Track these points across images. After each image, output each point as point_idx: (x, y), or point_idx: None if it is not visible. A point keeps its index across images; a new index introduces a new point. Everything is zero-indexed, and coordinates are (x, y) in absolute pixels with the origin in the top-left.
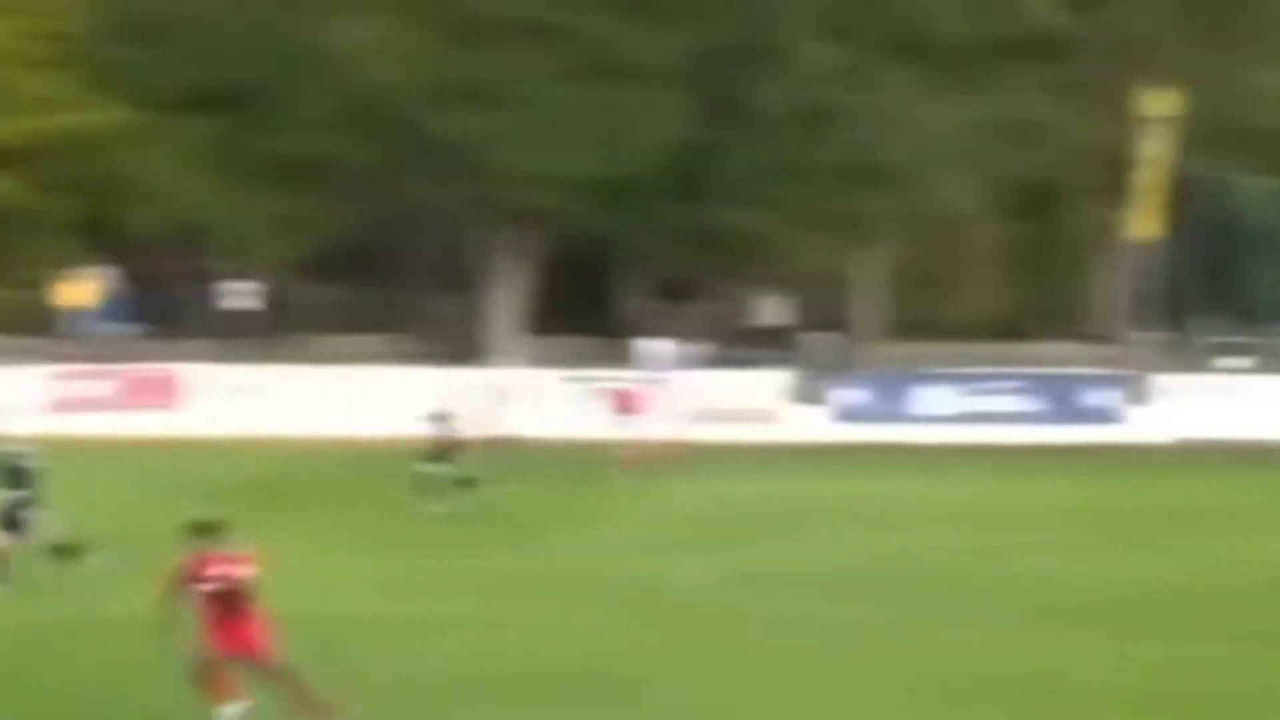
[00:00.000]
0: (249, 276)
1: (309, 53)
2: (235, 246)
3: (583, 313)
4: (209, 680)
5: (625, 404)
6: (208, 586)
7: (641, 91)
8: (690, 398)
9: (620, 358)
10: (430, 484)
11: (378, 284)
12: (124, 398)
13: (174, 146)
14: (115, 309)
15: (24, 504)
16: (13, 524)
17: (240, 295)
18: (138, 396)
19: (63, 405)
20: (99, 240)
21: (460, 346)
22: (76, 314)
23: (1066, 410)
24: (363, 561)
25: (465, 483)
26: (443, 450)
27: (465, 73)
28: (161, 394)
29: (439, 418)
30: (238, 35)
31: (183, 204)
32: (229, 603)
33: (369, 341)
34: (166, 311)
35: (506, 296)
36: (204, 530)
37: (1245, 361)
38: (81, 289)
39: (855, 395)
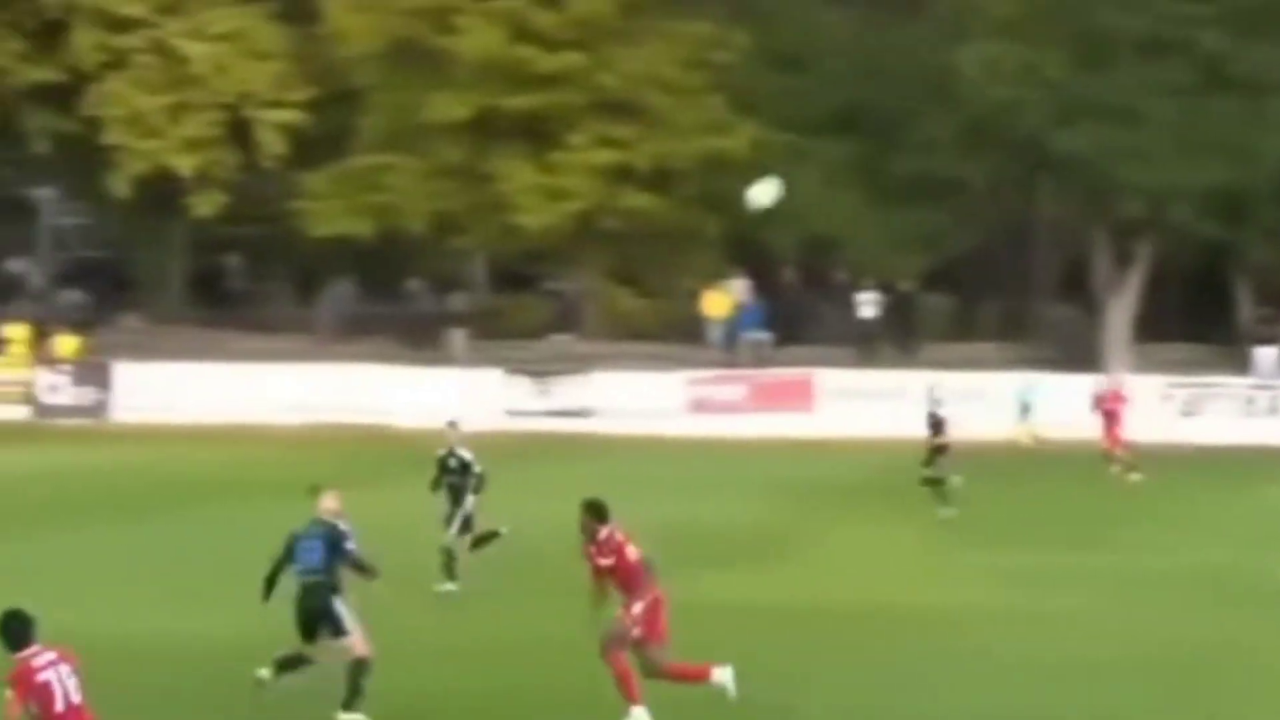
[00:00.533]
0: (873, 287)
1: (938, 75)
2: (866, 260)
3: (1197, 320)
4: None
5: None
6: (603, 564)
7: (1258, 102)
8: None
9: (1236, 366)
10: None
11: (995, 293)
12: (757, 401)
13: (813, 166)
14: (750, 318)
15: (459, 503)
16: (466, 526)
17: (866, 305)
18: (771, 400)
19: (699, 408)
20: (736, 253)
21: (1076, 353)
22: (715, 322)
23: None
24: (971, 555)
25: (932, 482)
26: (933, 451)
27: (1088, 90)
28: (795, 397)
29: (935, 420)
30: (872, 60)
31: (820, 220)
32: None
33: (986, 349)
34: (794, 319)
35: (1119, 305)
36: (597, 511)
37: None
38: (720, 299)
39: None
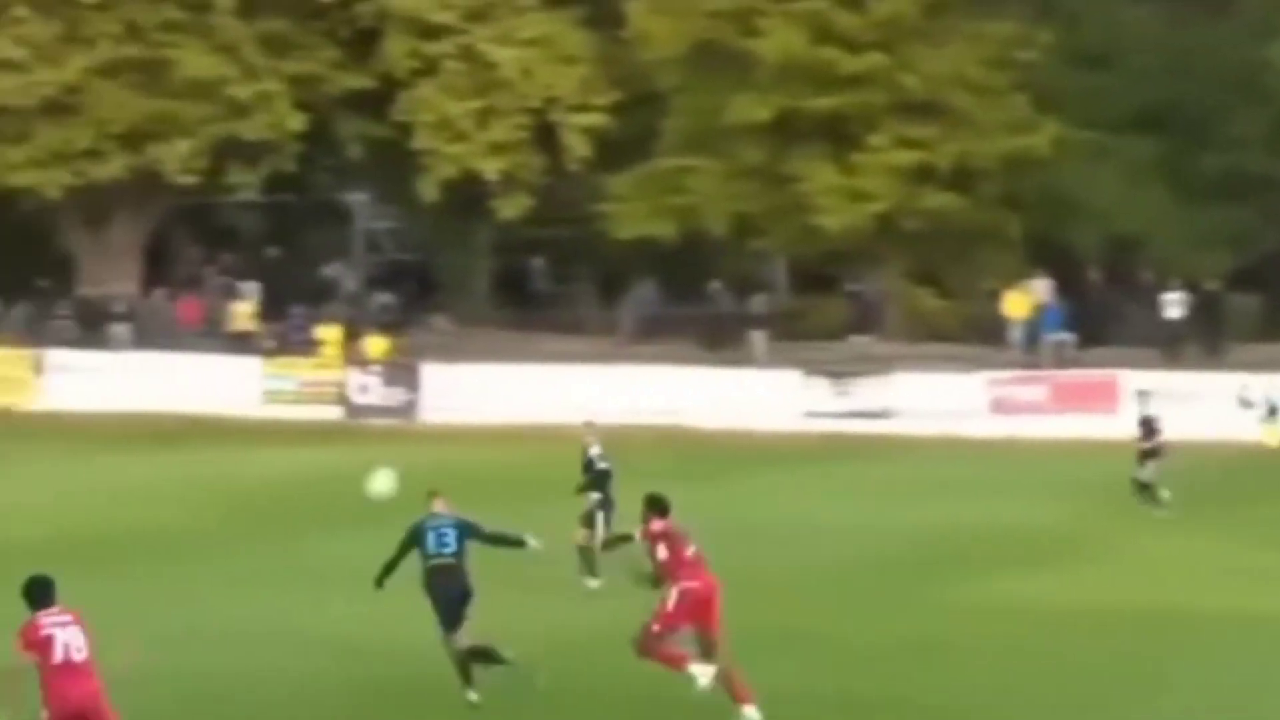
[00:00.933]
0: (1178, 287)
1: (1246, 71)
2: (1171, 259)
3: None
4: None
5: None
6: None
7: None
8: None
9: None
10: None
11: None
12: (1059, 402)
13: (1116, 165)
14: (1052, 318)
15: (603, 504)
16: (592, 521)
17: (1172, 305)
18: (1073, 401)
19: (1000, 409)
20: (1038, 253)
21: None
22: (1016, 323)
23: None
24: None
25: (1142, 487)
26: (1145, 455)
27: None
28: (1099, 399)
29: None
30: (1179, 57)
31: (1124, 219)
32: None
33: None
34: (1098, 320)
35: None
36: (656, 503)
37: None
38: (1021, 299)
39: None
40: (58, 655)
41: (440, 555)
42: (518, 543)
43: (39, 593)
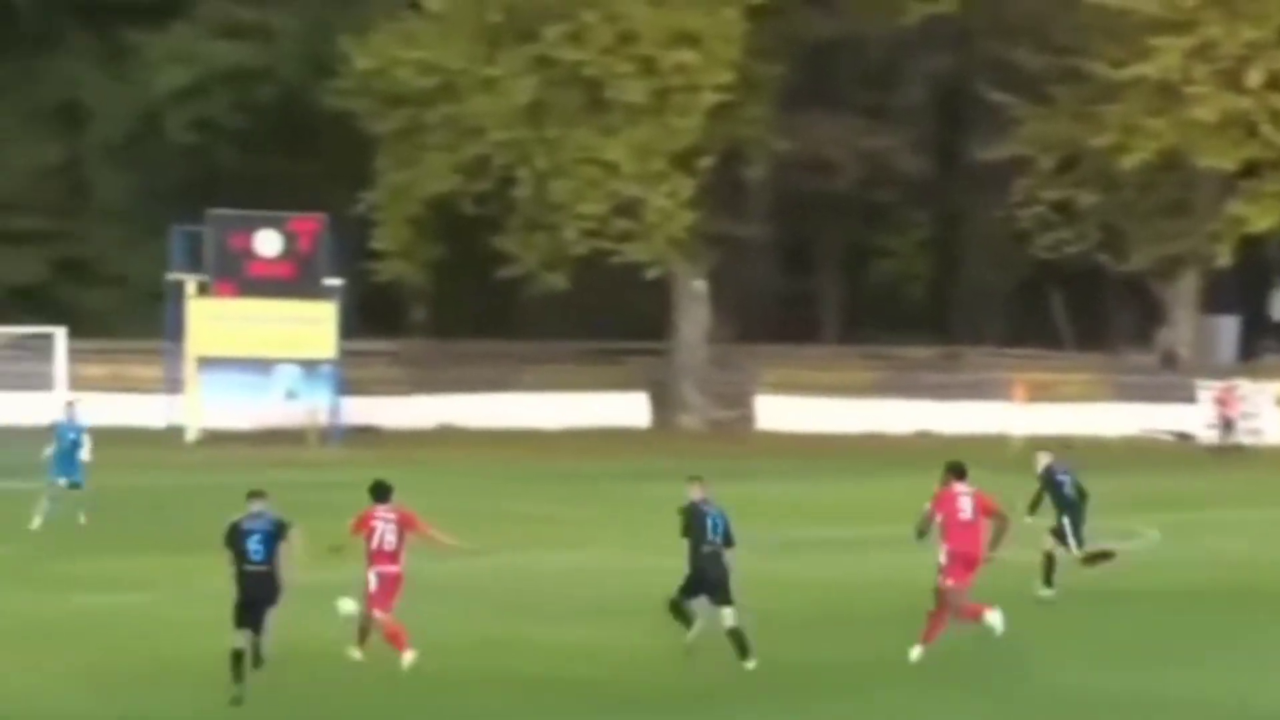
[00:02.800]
0: None
1: None
2: None
3: None
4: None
5: None
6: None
7: None
8: None
9: None
10: None
11: None
12: None
13: None
14: None
15: (1073, 518)
16: (1062, 535)
17: None
18: None
19: None
20: None
21: None
22: None
23: None
24: None
25: None
26: None
27: None
28: None
29: None
30: None
31: None
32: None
33: None
34: None
35: None
36: (953, 469)
37: None
38: None
39: None
40: (374, 542)
41: (711, 543)
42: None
43: (380, 492)
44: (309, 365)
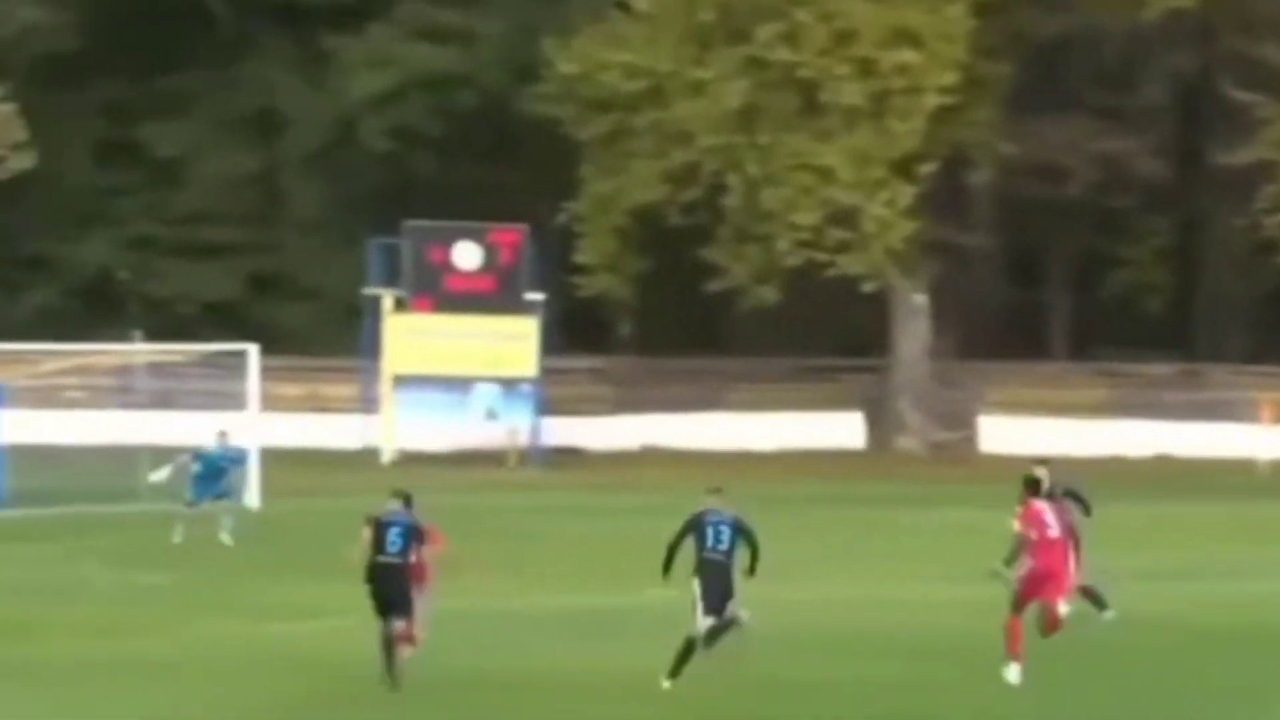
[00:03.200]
0: None
1: None
2: None
3: None
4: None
5: None
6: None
7: None
8: None
9: None
10: None
11: None
12: None
13: None
14: None
15: None
16: None
17: None
18: None
19: None
20: None
21: None
22: None
23: None
24: None
25: None
26: None
27: None
28: None
29: None
30: None
31: None
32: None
33: None
34: None
35: None
36: (1029, 483)
37: None
38: None
39: None
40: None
41: (715, 551)
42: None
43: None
44: (509, 384)
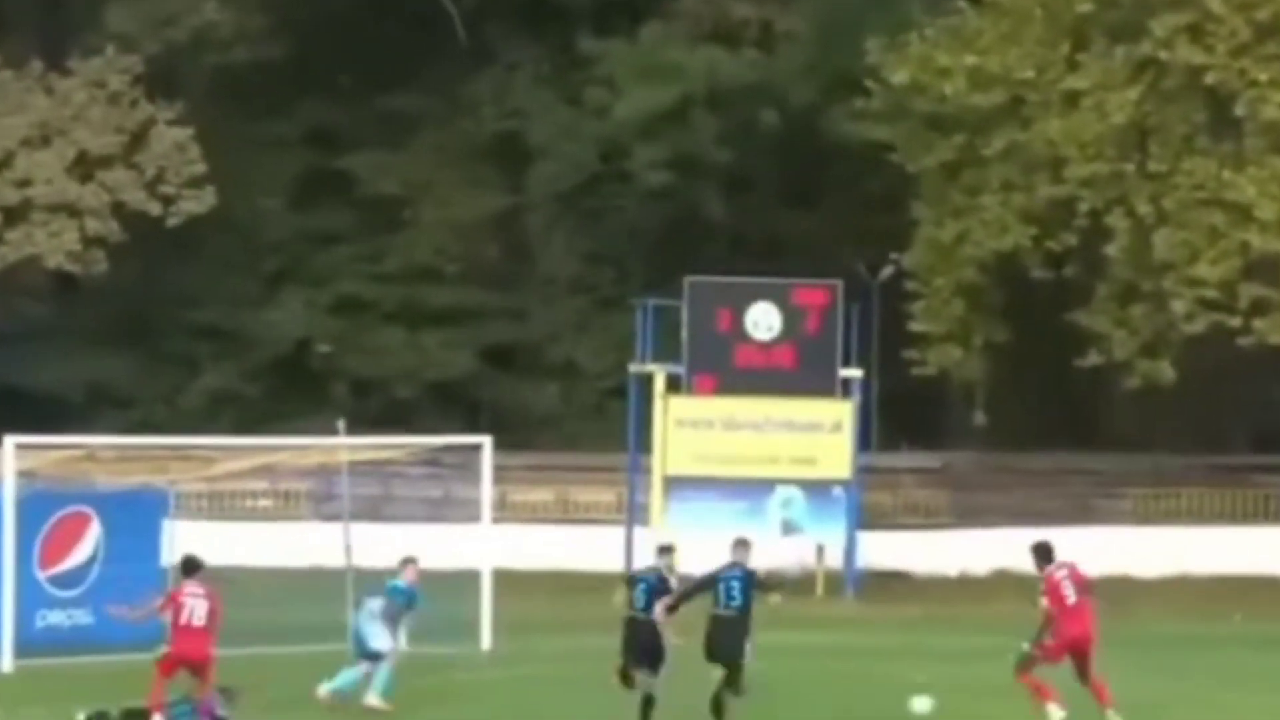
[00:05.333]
0: None
1: None
2: None
3: None
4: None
5: None
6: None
7: None
8: None
9: None
10: None
11: None
12: None
13: None
14: None
15: None
16: None
17: None
18: None
19: None
20: None
21: None
22: None
23: None
24: None
25: None
26: None
27: None
28: None
29: None
30: None
31: None
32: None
33: None
34: None
35: None
36: (1038, 551)
37: None
38: None
39: None
40: (183, 618)
41: (729, 608)
42: (774, 589)
43: (189, 566)
44: (816, 487)
